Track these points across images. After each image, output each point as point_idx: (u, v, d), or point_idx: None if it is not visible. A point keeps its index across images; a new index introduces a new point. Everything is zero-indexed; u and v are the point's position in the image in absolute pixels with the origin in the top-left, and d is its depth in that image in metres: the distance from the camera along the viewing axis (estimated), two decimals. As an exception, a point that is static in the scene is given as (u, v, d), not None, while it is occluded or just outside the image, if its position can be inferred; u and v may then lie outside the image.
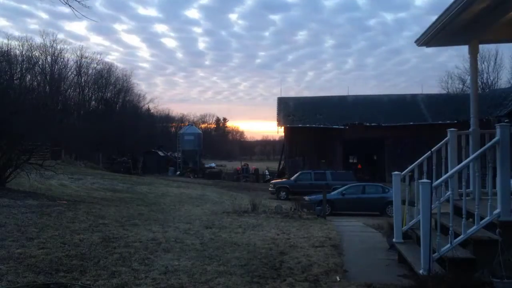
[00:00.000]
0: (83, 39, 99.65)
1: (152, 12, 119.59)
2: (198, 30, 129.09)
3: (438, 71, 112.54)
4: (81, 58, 53.09)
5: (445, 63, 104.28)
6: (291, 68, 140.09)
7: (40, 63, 48.06)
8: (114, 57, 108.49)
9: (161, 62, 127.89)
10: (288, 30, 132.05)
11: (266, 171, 41.01)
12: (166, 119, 77.55)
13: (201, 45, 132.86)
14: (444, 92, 50.52)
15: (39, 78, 48.27)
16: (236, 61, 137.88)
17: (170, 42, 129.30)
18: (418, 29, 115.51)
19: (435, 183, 5.24)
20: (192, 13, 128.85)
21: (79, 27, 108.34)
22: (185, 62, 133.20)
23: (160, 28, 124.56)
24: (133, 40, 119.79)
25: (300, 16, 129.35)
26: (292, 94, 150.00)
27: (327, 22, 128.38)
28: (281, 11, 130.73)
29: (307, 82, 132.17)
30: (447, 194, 5.64)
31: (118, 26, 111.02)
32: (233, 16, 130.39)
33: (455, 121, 27.39)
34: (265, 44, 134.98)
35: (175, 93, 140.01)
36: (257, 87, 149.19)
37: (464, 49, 7.50)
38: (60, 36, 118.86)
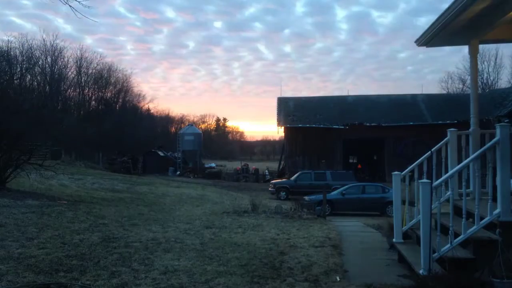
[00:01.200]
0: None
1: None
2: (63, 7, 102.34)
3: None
4: (81, 58, 53.16)
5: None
6: (212, 60, 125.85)
7: (40, 63, 48.05)
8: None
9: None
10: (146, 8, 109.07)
11: (266, 171, 41.00)
12: (166, 119, 77.54)
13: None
14: (444, 92, 50.70)
15: (39, 78, 48.23)
16: (132, 50, 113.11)
17: (62, 24, 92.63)
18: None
19: (435, 183, 5.24)
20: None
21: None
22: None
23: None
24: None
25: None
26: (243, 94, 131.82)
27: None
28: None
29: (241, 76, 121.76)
30: (447, 194, 5.64)
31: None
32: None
33: (455, 121, 27.37)
34: (137, 25, 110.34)
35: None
36: (192, 81, 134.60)
37: (464, 49, 7.49)
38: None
